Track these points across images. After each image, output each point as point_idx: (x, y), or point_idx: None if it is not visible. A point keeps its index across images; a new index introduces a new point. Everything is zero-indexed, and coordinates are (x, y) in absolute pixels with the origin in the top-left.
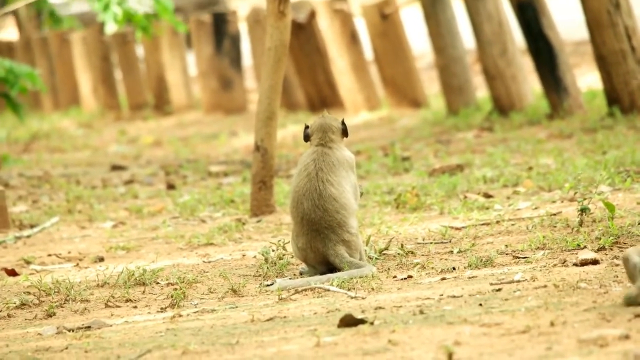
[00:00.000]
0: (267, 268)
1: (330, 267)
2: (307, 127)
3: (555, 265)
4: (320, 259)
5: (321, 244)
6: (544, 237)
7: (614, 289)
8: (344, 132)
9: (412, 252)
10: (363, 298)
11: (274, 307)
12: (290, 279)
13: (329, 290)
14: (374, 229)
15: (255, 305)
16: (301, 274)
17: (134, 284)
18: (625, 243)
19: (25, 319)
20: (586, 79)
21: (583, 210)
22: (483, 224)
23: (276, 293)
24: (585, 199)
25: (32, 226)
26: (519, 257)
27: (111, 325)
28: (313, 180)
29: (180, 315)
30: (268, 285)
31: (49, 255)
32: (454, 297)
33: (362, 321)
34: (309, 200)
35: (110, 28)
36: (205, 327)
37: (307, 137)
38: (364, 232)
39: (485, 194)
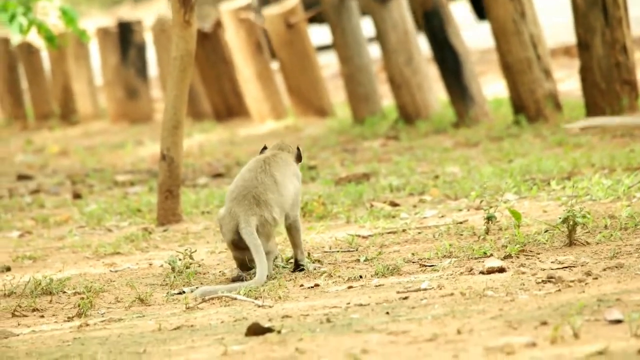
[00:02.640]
0: (174, 277)
1: (236, 243)
2: (264, 147)
3: (461, 273)
4: (232, 226)
5: (242, 209)
6: (450, 245)
7: (520, 297)
8: (298, 158)
9: (319, 261)
10: (270, 306)
11: (181, 316)
12: (197, 287)
13: (236, 298)
14: (280, 238)
15: (162, 314)
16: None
17: (41, 294)
18: (531, 251)
19: None
20: (492, 87)
21: (489, 219)
22: (389, 233)
23: (194, 300)
24: (491, 207)
25: None
26: (425, 266)
27: (18, 335)
28: (261, 166)
29: (87, 325)
30: (180, 293)
31: None
32: (361, 305)
33: (269, 330)
34: (252, 172)
35: (16, 39)
36: (113, 336)
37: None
38: None
39: (392, 202)
